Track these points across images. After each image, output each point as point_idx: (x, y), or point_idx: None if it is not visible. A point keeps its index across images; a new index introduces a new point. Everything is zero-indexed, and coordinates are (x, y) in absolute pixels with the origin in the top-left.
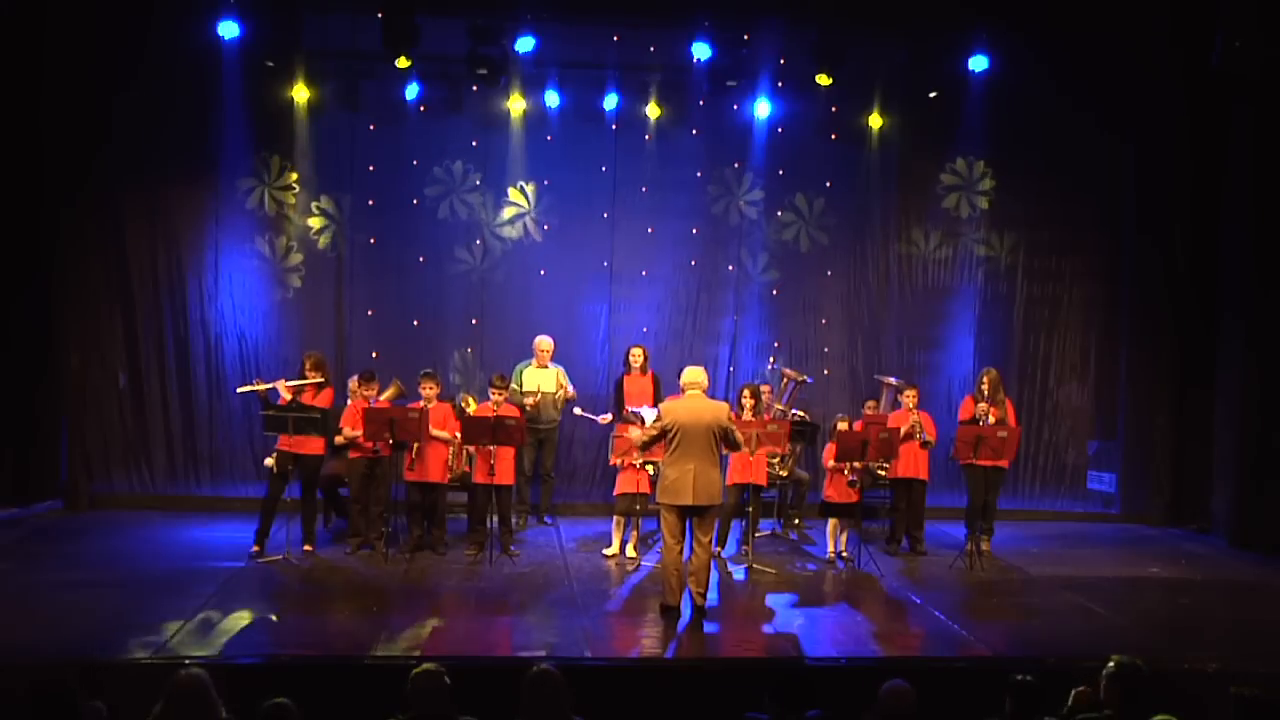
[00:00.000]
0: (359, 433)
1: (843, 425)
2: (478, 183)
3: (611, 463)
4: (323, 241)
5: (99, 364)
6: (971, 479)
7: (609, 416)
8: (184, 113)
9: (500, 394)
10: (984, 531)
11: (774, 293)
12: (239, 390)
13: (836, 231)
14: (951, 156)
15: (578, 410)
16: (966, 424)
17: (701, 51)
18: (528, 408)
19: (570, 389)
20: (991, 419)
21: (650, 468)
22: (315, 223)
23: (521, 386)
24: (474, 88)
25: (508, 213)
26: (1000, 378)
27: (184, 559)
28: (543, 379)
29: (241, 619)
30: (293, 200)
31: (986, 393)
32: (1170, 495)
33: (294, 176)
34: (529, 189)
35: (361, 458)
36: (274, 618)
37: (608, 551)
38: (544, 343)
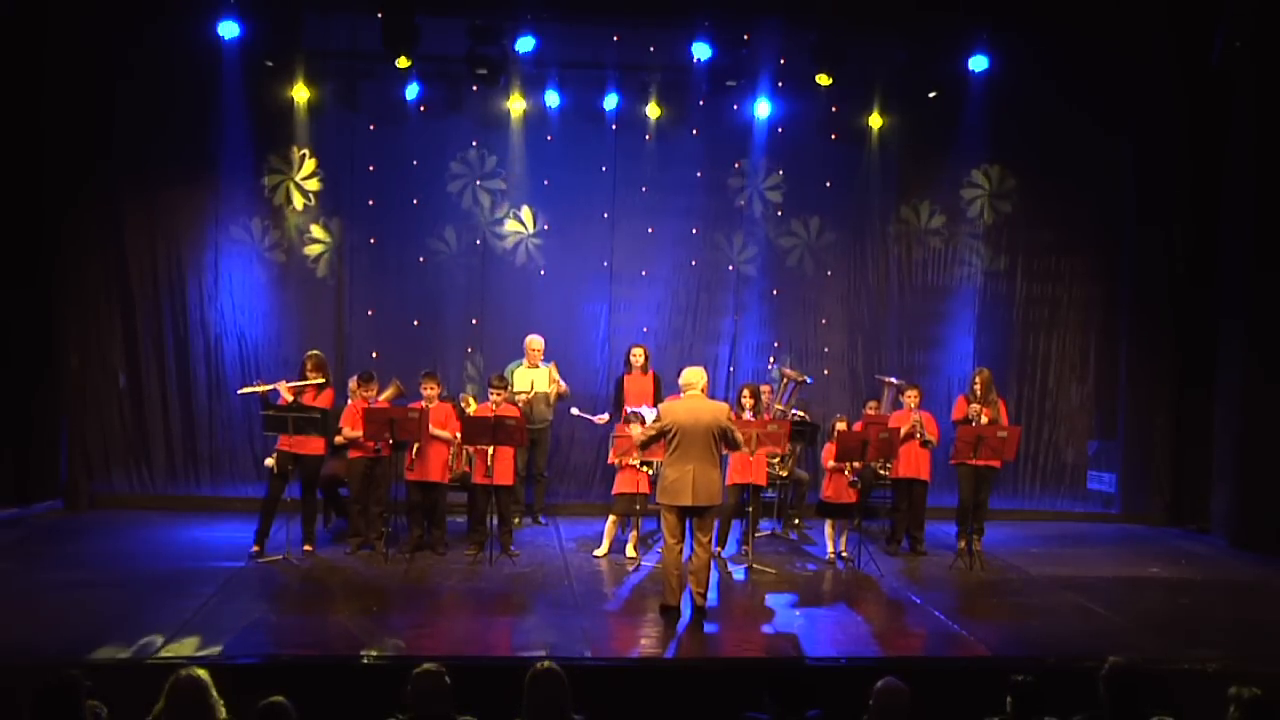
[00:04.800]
0: (359, 433)
1: (841, 425)
2: (477, 183)
3: (610, 461)
4: (323, 242)
5: (99, 364)
6: (962, 477)
7: (605, 417)
8: (184, 112)
9: (499, 394)
10: (974, 531)
11: (774, 293)
12: (240, 392)
13: (836, 231)
14: (951, 156)
15: (575, 411)
16: (961, 424)
17: (701, 51)
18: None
19: (562, 384)
20: (984, 419)
21: (649, 468)
22: (315, 223)
23: (513, 387)
24: (474, 88)
25: (506, 211)
26: (992, 377)
27: (184, 559)
28: (535, 377)
29: (241, 619)
30: (292, 200)
31: (979, 393)
32: (1170, 495)
33: (294, 177)
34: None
35: (361, 458)
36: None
37: (598, 552)
38: (534, 342)
